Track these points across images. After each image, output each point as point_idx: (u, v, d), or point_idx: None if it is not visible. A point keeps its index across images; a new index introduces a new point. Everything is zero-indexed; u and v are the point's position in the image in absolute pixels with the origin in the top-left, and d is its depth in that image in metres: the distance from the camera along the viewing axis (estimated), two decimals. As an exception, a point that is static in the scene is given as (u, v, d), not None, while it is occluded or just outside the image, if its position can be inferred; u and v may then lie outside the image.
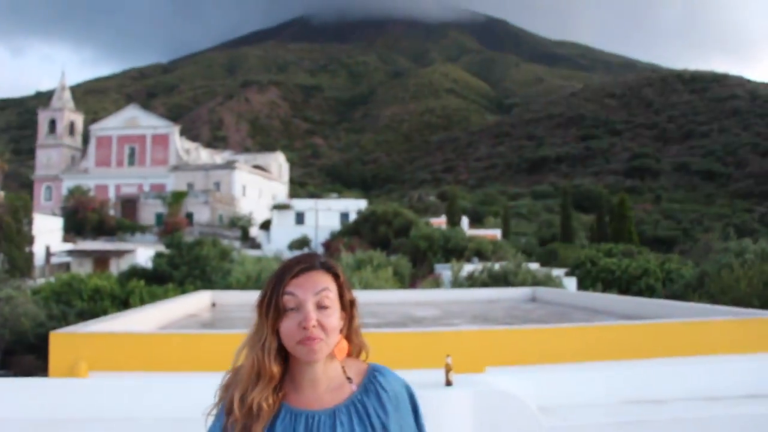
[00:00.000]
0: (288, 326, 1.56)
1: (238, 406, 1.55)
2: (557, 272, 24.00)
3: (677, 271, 24.95)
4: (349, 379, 1.64)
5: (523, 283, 17.74)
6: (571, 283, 22.84)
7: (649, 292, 23.73)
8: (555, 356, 5.08)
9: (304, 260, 1.64)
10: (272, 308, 1.58)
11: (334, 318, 1.60)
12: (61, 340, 4.76)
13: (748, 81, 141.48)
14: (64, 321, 14.10)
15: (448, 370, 3.57)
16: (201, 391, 3.93)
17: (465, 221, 59.26)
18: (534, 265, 26.76)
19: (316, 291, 1.58)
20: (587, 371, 4.23)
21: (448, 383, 3.55)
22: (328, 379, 1.63)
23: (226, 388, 1.64)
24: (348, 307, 1.67)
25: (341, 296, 1.64)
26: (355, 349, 1.70)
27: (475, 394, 3.44)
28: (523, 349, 5.31)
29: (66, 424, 3.53)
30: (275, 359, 1.57)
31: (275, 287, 1.59)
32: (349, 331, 1.68)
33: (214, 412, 1.66)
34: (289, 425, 1.56)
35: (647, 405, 3.88)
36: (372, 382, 1.64)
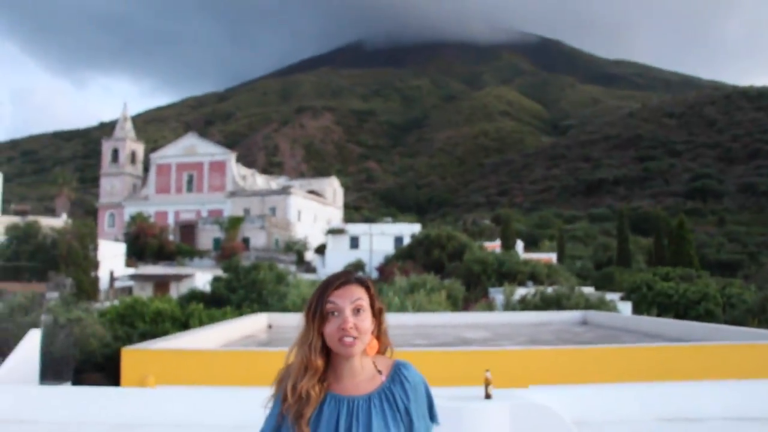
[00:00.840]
0: (330, 328, 1.97)
1: (291, 393, 1.95)
2: (612, 296, 23.68)
3: (738, 296, 24.30)
4: (379, 371, 2.05)
5: (575, 307, 17.63)
6: (626, 307, 22.51)
7: (709, 317, 23.16)
8: (597, 376, 5.22)
9: (342, 276, 2.07)
10: (317, 314, 1.99)
11: (367, 321, 2.01)
12: (132, 356, 5.17)
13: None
14: (128, 341, 14.72)
15: (487, 384, 3.80)
16: (258, 403, 4.25)
17: (520, 245, 58.81)
18: (589, 289, 26.49)
19: (352, 300, 2.00)
20: (625, 390, 4.37)
21: (488, 396, 3.78)
22: (363, 371, 2.03)
23: (281, 382, 2.04)
24: (377, 313, 2.08)
25: (372, 305, 2.06)
26: (383, 347, 2.12)
27: (513, 407, 3.66)
28: (567, 368, 5.47)
29: (137, 428, 3.90)
30: (319, 355, 1.98)
31: (320, 298, 2.01)
32: (379, 332, 2.09)
33: (270, 404, 2.05)
34: (334, 408, 1.97)
35: (680, 423, 4.01)
36: (397, 373, 2.05)
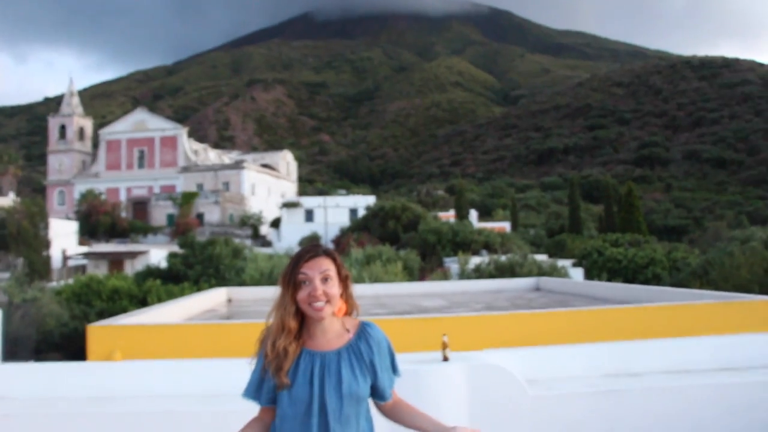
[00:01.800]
0: (302, 295, 2.28)
1: (270, 350, 2.27)
2: (564, 263, 24.32)
3: (683, 260, 25.20)
4: (347, 330, 2.37)
5: (529, 274, 18.12)
6: (578, 273, 23.19)
7: (656, 280, 24.03)
8: (548, 338, 5.51)
9: (311, 249, 2.36)
10: (291, 283, 2.30)
11: (334, 288, 2.31)
12: (98, 332, 5.24)
13: (760, 65, 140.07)
14: (85, 320, 14.58)
15: (444, 347, 4.03)
16: (224, 373, 4.40)
17: (474, 214, 59.54)
18: (542, 257, 27.13)
19: (321, 270, 2.29)
20: (573, 350, 4.65)
21: (445, 359, 4.01)
22: (333, 330, 2.35)
23: (263, 341, 2.34)
24: (344, 279, 2.38)
25: (339, 273, 2.35)
26: (351, 308, 2.44)
27: (469, 367, 3.89)
28: (520, 332, 5.74)
29: (106, 401, 4.02)
30: (293, 318, 2.29)
31: (293, 269, 2.31)
32: (346, 295, 2.40)
33: (254, 360, 2.37)
34: (308, 362, 2.29)
35: (625, 378, 4.31)
36: (363, 331, 2.38)
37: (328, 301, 2.27)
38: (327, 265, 2.31)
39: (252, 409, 2.39)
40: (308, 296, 2.26)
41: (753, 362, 4.54)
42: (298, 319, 2.30)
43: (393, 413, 2.41)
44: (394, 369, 2.42)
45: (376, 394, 2.36)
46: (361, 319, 2.47)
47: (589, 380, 4.23)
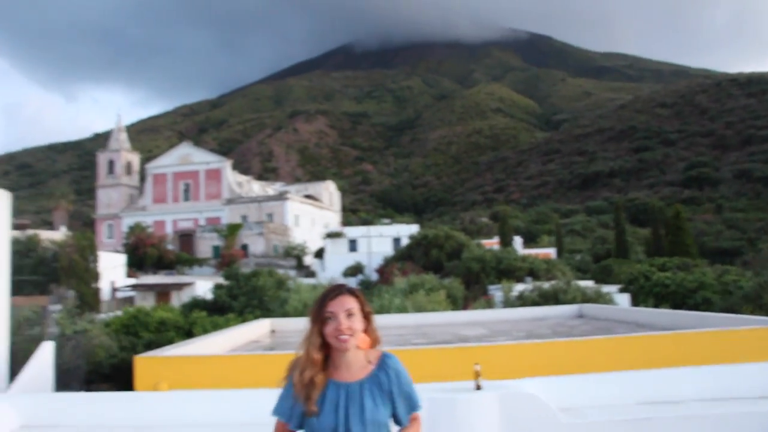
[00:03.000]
0: (329, 329, 2.55)
1: (298, 380, 2.52)
2: (609, 289, 23.94)
3: (735, 283, 24.52)
4: (369, 362, 2.63)
5: (573, 301, 17.90)
6: (623, 299, 22.78)
7: (706, 305, 23.42)
8: (587, 366, 5.49)
9: (336, 289, 2.64)
10: (318, 320, 2.58)
11: (357, 323, 2.59)
12: (144, 363, 5.44)
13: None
14: (133, 351, 14.94)
15: (476, 376, 4.09)
16: (266, 403, 4.52)
17: (518, 241, 59.07)
18: (587, 283, 26.74)
19: (345, 308, 2.58)
20: (609, 378, 4.64)
21: (478, 387, 4.07)
22: (357, 362, 2.61)
23: (292, 369, 2.59)
24: (366, 315, 2.65)
25: (362, 309, 2.63)
26: (373, 341, 2.68)
27: (501, 396, 3.94)
28: (558, 360, 5.73)
29: (152, 429, 4.18)
30: (318, 350, 2.56)
31: (320, 307, 2.60)
32: (369, 330, 2.66)
33: (284, 384, 2.62)
34: (335, 392, 2.53)
35: (661, 405, 4.28)
36: (383, 363, 2.63)
37: (351, 335, 2.54)
38: (351, 303, 2.59)
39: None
40: (335, 330, 2.52)
41: (794, 389, 4.46)
42: (323, 352, 2.56)
43: None
44: (411, 398, 2.64)
45: (396, 419, 2.61)
46: (387, 349, 2.72)
47: (625, 408, 4.22)
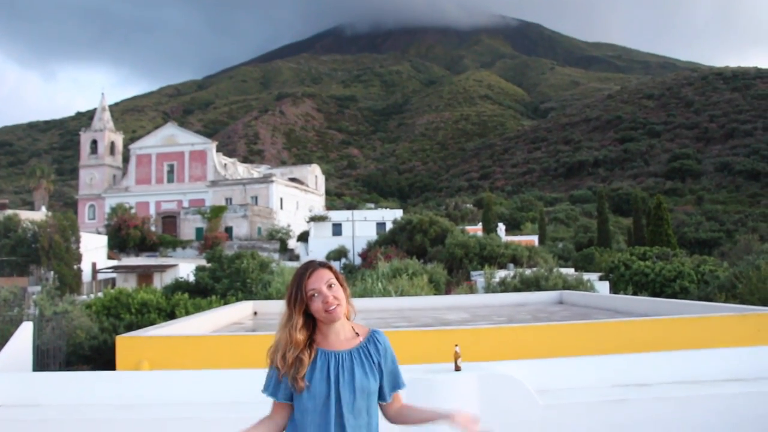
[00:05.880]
0: (316, 305, 2.57)
1: (281, 363, 2.55)
2: (590, 276, 24.17)
3: (712, 273, 24.85)
4: (357, 334, 2.67)
5: (554, 288, 18.08)
6: (604, 287, 22.99)
7: (683, 294, 23.75)
8: (564, 350, 5.59)
9: (309, 266, 2.66)
10: (298, 300, 2.58)
11: (340, 291, 2.61)
12: (126, 343, 5.46)
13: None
14: (114, 333, 14.90)
15: (456, 357, 4.16)
16: (247, 383, 4.57)
17: (501, 228, 59.35)
18: (568, 270, 26.98)
19: (324, 280, 2.59)
20: (585, 361, 4.74)
21: (457, 369, 4.14)
22: (345, 333, 2.65)
23: (274, 352, 2.61)
24: (342, 284, 2.66)
25: (338, 278, 2.64)
26: (351, 310, 2.70)
27: (480, 377, 4.02)
28: (536, 344, 5.83)
29: (133, 408, 4.22)
30: (300, 331, 2.57)
31: (298, 287, 2.60)
32: (346, 299, 2.66)
33: (269, 370, 2.63)
34: (324, 360, 2.57)
35: (633, 388, 4.40)
36: (372, 337, 2.68)
37: (339, 304, 2.57)
38: (328, 275, 2.61)
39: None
40: (323, 304, 2.55)
41: (761, 373, 4.59)
42: (305, 331, 2.59)
43: (399, 416, 2.70)
44: (397, 376, 2.69)
45: (379, 394, 2.65)
46: (372, 328, 2.77)
47: (599, 390, 4.33)
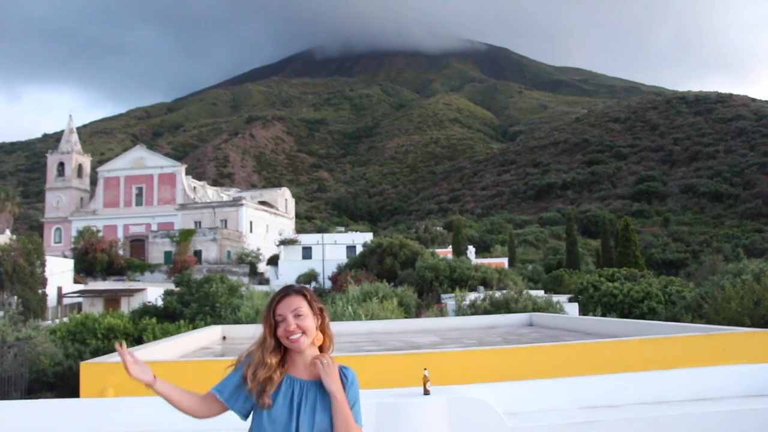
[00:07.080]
0: (281, 331, 2.58)
1: (251, 379, 2.55)
2: (560, 298, 24.39)
3: (678, 293, 25.25)
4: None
5: (524, 310, 18.19)
6: (573, 308, 23.23)
7: (651, 315, 24.07)
8: (534, 373, 5.61)
9: (282, 291, 2.67)
10: (268, 323, 2.61)
11: (308, 320, 2.60)
12: (91, 369, 5.34)
13: (753, 100, 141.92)
14: (80, 359, 14.59)
15: (425, 381, 4.14)
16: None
17: (472, 250, 59.63)
18: (538, 292, 27.17)
19: (292, 308, 2.59)
20: (555, 383, 4.77)
21: (426, 392, 4.13)
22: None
23: (247, 366, 2.59)
24: (318, 312, 2.67)
25: (311, 307, 2.64)
26: (328, 338, 2.71)
27: (449, 401, 4.01)
28: (506, 367, 5.84)
29: (99, 437, 4.11)
30: (272, 353, 2.59)
31: (269, 310, 2.63)
32: (323, 326, 2.69)
33: (230, 370, 2.67)
34: (289, 386, 2.58)
35: (602, 409, 4.43)
36: (342, 370, 2.62)
37: (303, 333, 2.57)
38: (298, 302, 2.60)
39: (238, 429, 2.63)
40: (285, 331, 2.55)
41: (726, 392, 4.67)
42: (277, 354, 2.60)
43: None
44: (357, 413, 2.61)
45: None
46: (337, 356, 2.75)
47: (568, 412, 4.35)
